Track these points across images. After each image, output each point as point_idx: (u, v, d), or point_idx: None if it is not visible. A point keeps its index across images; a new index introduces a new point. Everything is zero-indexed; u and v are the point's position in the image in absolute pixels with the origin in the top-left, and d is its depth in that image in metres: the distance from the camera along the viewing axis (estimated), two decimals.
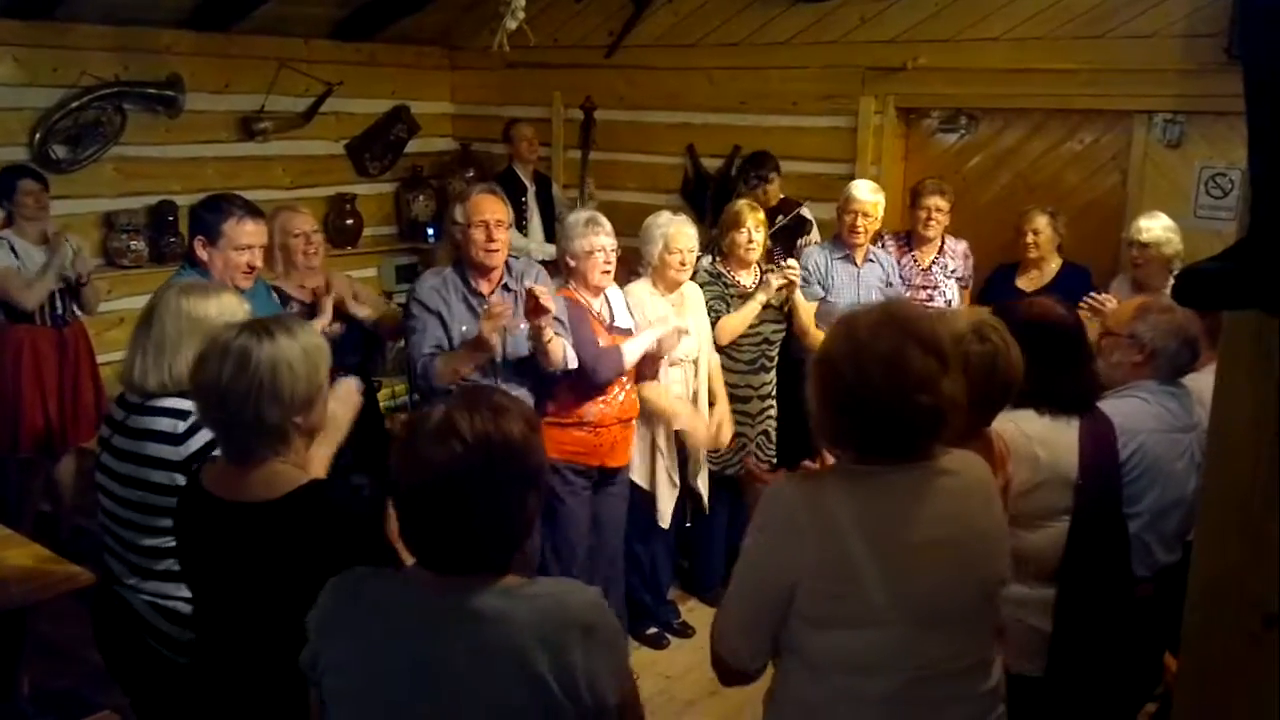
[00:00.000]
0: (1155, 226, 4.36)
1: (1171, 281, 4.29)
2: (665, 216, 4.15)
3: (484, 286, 3.61)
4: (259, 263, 3.37)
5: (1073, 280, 4.56)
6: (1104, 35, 4.90)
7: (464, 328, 3.55)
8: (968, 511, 1.88)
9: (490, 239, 3.53)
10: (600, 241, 3.80)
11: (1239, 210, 4.58)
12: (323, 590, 1.68)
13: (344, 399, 2.37)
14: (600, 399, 3.78)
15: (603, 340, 3.78)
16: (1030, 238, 4.67)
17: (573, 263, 3.85)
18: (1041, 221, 4.66)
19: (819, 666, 1.81)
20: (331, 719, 1.66)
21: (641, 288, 4.13)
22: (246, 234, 3.29)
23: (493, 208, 3.56)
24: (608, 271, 3.85)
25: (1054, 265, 4.71)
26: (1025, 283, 4.69)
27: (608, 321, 3.93)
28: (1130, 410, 2.75)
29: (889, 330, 1.77)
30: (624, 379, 3.86)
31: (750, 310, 4.31)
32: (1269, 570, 1.48)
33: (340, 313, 3.89)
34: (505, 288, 3.63)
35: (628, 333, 3.93)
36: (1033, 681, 2.45)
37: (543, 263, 5.68)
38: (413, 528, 1.59)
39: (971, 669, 1.87)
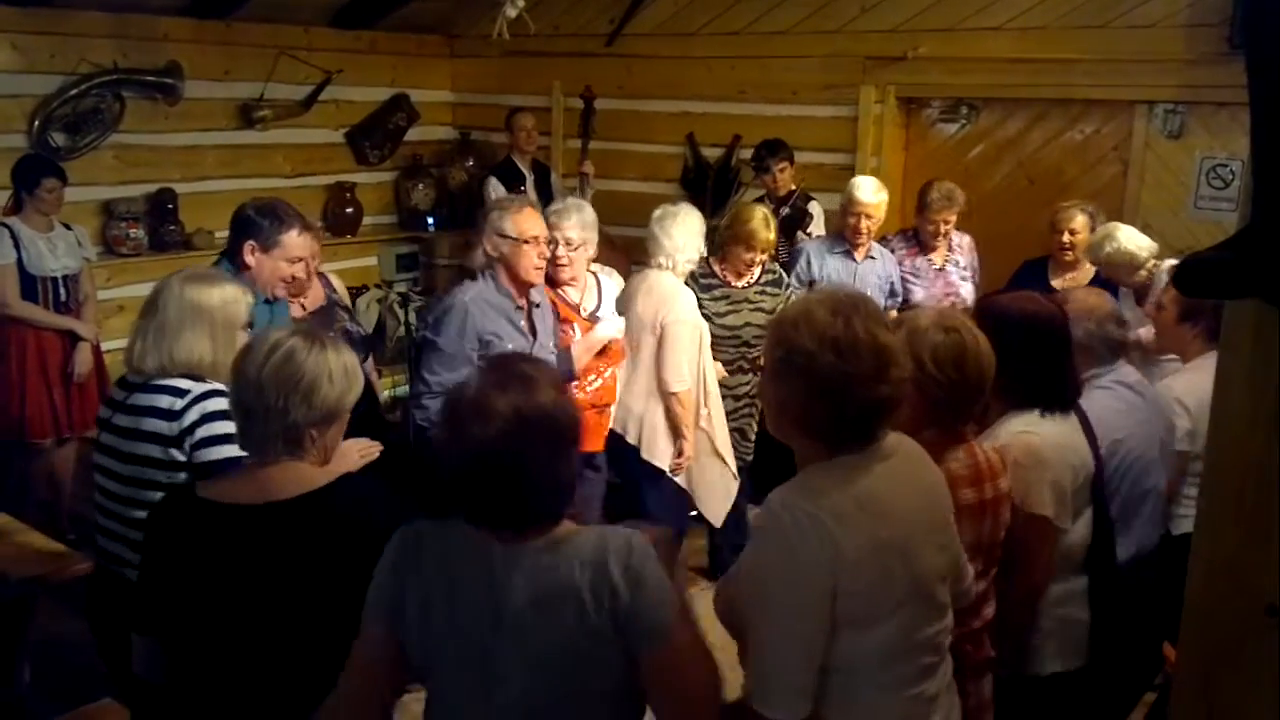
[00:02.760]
0: (1081, 227, 4.36)
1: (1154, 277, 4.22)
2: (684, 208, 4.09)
3: (526, 306, 3.53)
4: (303, 275, 3.32)
5: (1109, 285, 4.39)
6: (1106, 25, 4.90)
7: (509, 346, 3.39)
8: (929, 480, 1.94)
9: (552, 257, 3.54)
10: (534, 230, 3.48)
11: (1240, 201, 4.58)
12: (388, 544, 1.77)
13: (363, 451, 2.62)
14: (574, 384, 3.75)
15: (576, 329, 3.79)
16: (1067, 237, 4.55)
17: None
18: (1080, 221, 4.53)
19: (829, 670, 1.79)
20: (412, 660, 1.75)
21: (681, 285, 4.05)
22: (302, 248, 3.26)
23: (541, 224, 3.48)
24: (562, 265, 3.75)
25: (1090, 267, 4.54)
26: (1062, 283, 4.53)
27: (589, 310, 3.90)
28: (1101, 405, 2.72)
29: (854, 315, 1.79)
30: (600, 367, 3.85)
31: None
32: (1269, 559, 1.48)
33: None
34: (538, 306, 3.59)
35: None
36: (1074, 675, 2.46)
37: None
38: (466, 498, 1.69)
39: (941, 645, 1.92)
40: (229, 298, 2.53)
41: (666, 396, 3.93)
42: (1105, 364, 2.79)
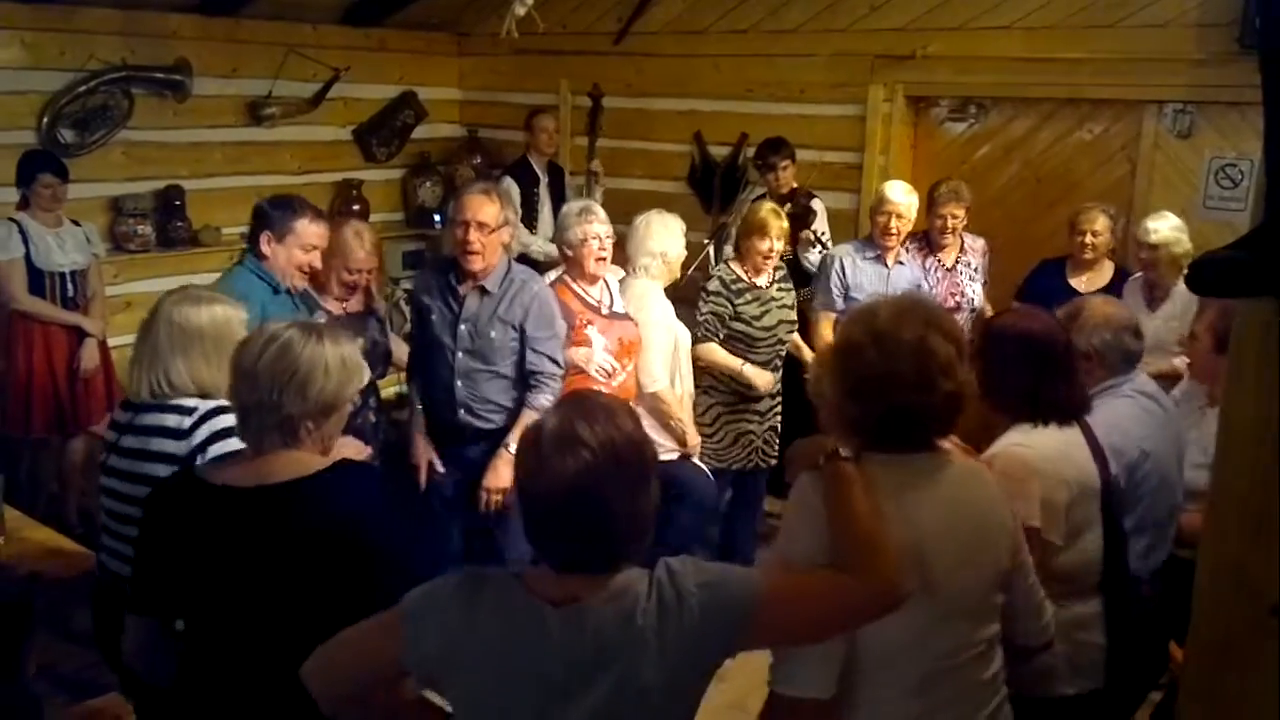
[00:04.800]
0: (1163, 227, 4.28)
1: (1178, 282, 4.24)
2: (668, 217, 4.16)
3: (466, 284, 3.58)
4: (319, 264, 3.47)
5: (1121, 283, 4.48)
6: (1115, 24, 4.88)
7: (433, 316, 3.58)
8: (973, 500, 1.89)
9: (466, 239, 3.47)
10: (594, 229, 3.82)
11: (1250, 201, 4.58)
12: (438, 590, 1.67)
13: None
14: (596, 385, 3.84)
15: (597, 330, 3.88)
16: (1088, 238, 4.55)
17: (569, 252, 3.88)
18: (1101, 223, 4.54)
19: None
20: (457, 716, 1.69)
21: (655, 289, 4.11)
22: (315, 235, 3.40)
23: (477, 209, 3.49)
24: (603, 259, 3.87)
25: (1108, 268, 4.58)
26: (1080, 283, 4.54)
27: (607, 307, 3.94)
28: (1124, 414, 2.71)
29: (911, 318, 1.79)
30: (625, 362, 3.91)
31: (731, 365, 4.28)
32: (1274, 561, 1.48)
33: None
34: (483, 289, 3.57)
35: (625, 317, 3.96)
36: (1088, 698, 2.40)
37: (547, 261, 5.71)
38: (547, 535, 1.61)
39: (984, 655, 1.89)
40: (219, 318, 2.49)
41: (646, 398, 3.99)
42: (1120, 374, 2.77)
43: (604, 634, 1.57)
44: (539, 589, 1.61)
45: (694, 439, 4.16)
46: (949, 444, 2.02)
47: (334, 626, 1.77)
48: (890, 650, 1.77)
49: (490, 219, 3.49)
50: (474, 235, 3.46)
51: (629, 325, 3.97)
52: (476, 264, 3.51)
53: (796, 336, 4.59)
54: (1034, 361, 2.41)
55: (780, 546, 1.86)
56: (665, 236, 4.07)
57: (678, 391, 4.12)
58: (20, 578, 3.02)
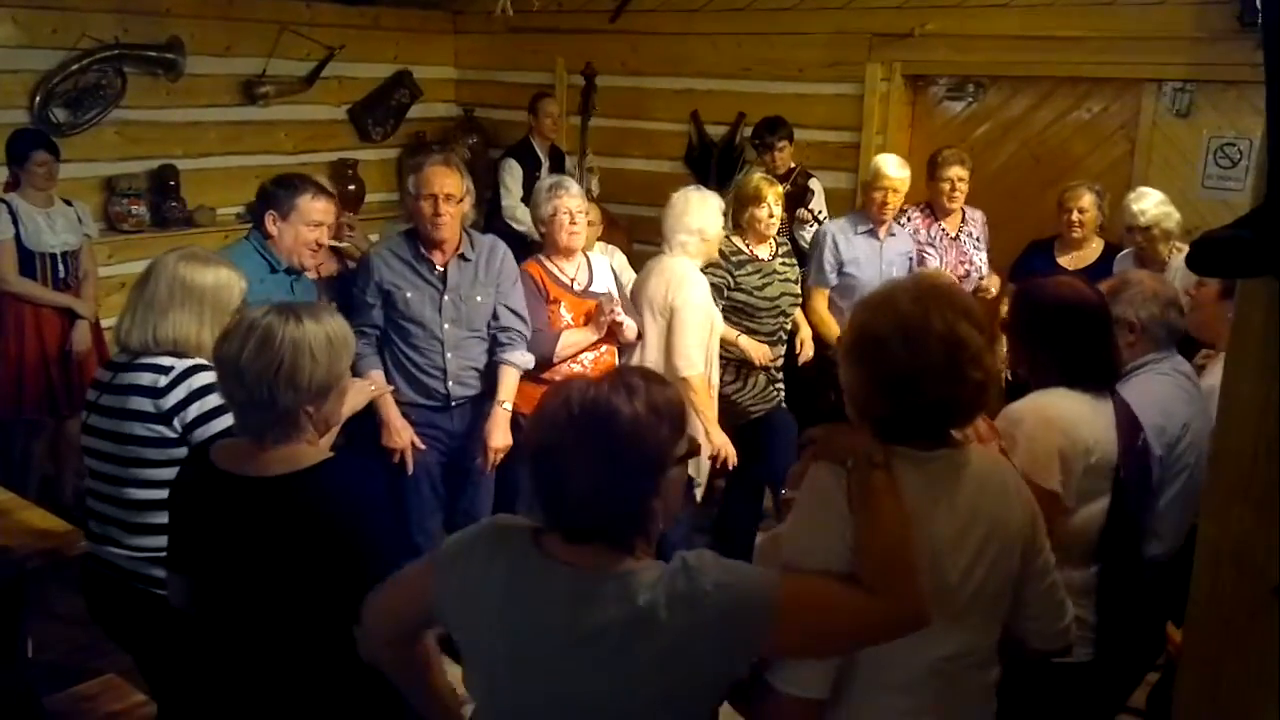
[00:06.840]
0: (1150, 207, 4.24)
1: (1172, 254, 4.22)
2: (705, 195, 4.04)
3: (437, 257, 3.57)
4: (326, 241, 3.45)
5: (1109, 261, 4.46)
6: (1114, 2, 4.86)
7: (409, 294, 3.54)
8: (988, 502, 1.80)
9: (437, 213, 3.48)
10: (566, 203, 3.78)
11: (1248, 180, 4.56)
12: (466, 537, 1.70)
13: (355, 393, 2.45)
14: (573, 360, 3.82)
15: (564, 309, 3.84)
16: (1075, 216, 4.55)
17: (542, 228, 3.86)
18: (1088, 200, 4.54)
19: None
20: (465, 664, 1.70)
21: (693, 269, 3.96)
22: (319, 211, 3.37)
23: (443, 181, 3.49)
24: (575, 232, 3.82)
25: (1096, 245, 4.59)
26: (1068, 262, 4.55)
27: (583, 286, 3.90)
28: (1165, 393, 2.70)
29: (937, 305, 1.69)
30: (600, 345, 3.88)
31: (727, 335, 4.16)
32: (1275, 540, 1.47)
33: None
34: (462, 257, 3.59)
35: (598, 298, 3.90)
36: (1076, 668, 2.35)
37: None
38: (534, 486, 1.61)
39: (983, 663, 1.84)
40: (222, 280, 2.50)
41: (677, 382, 3.81)
42: (1163, 349, 2.78)
43: (603, 606, 1.54)
44: (552, 548, 1.60)
45: (717, 438, 3.91)
46: (981, 422, 1.99)
47: (322, 615, 1.80)
48: (890, 650, 1.70)
49: (456, 190, 3.51)
50: (443, 208, 3.48)
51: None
52: (446, 234, 3.53)
53: (799, 312, 4.54)
54: (1071, 329, 2.39)
55: (791, 543, 1.75)
56: (704, 213, 3.94)
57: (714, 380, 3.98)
58: (13, 560, 3.01)
